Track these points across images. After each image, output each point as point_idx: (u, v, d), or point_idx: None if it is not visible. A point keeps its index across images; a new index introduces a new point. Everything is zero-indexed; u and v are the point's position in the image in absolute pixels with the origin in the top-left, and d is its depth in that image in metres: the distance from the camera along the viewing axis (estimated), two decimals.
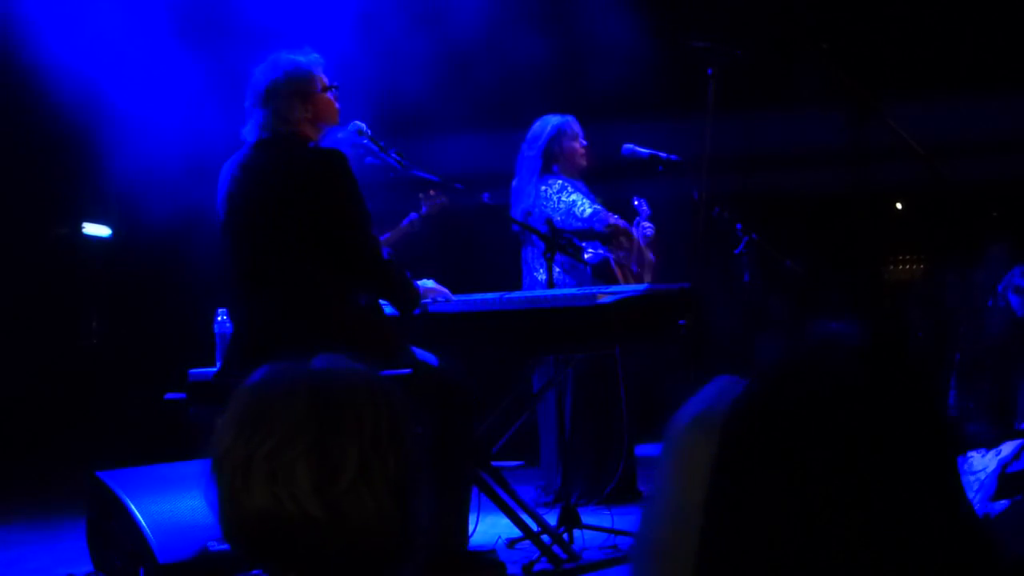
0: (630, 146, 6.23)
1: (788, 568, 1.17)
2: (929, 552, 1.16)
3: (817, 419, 1.21)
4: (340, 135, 4.93)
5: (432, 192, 5.94)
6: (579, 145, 6.45)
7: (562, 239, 5.73)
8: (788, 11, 9.01)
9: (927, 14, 10.00)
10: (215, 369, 4.68)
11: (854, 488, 1.17)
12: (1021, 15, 9.64)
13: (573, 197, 6.28)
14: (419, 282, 4.79)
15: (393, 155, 5.03)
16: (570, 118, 6.50)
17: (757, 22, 8.57)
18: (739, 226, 6.52)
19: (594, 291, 4.82)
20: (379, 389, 1.69)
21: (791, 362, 1.28)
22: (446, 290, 4.94)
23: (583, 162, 6.47)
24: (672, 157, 6.01)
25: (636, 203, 6.57)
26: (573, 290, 5.68)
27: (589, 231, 6.25)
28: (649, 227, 6.53)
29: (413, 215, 6.03)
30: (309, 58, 4.58)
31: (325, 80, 4.58)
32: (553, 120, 6.47)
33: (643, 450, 6.77)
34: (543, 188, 6.33)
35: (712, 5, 8.92)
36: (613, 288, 5.10)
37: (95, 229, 9.81)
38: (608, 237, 6.31)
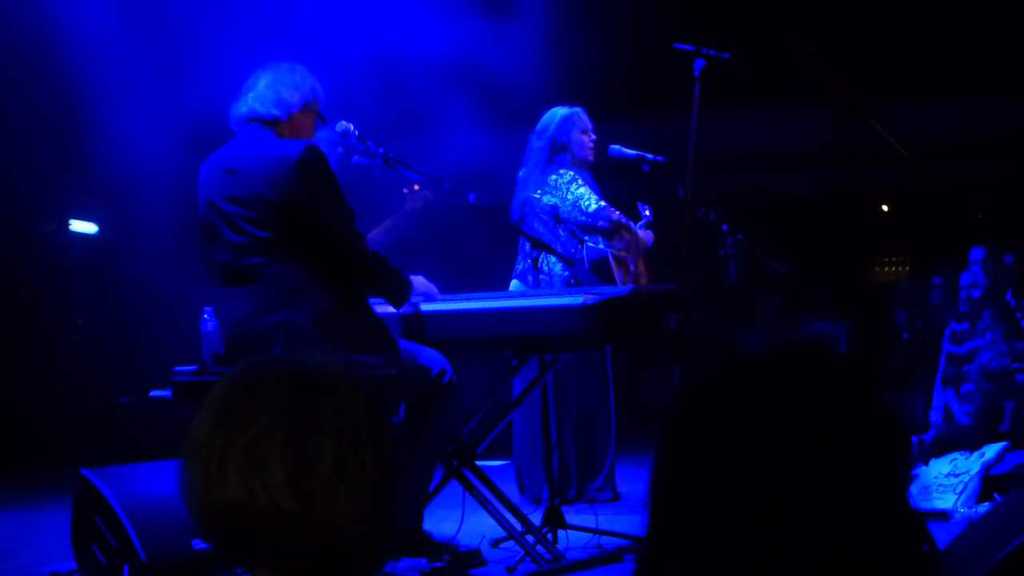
0: (616, 147, 6.24)
1: (725, 560, 1.19)
2: (860, 546, 1.17)
3: (747, 416, 1.22)
4: (325, 135, 4.94)
5: (416, 186, 5.95)
6: (587, 138, 6.47)
7: (564, 229, 5.83)
8: (773, 13, 9.03)
9: (912, 17, 10.03)
10: (197, 366, 4.69)
11: (783, 483, 1.18)
12: (1005, 18, 9.67)
13: (581, 191, 6.29)
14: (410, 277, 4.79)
15: (380, 154, 5.03)
16: (579, 110, 6.51)
17: (743, 24, 8.59)
18: (725, 227, 6.53)
19: (580, 292, 4.83)
20: (359, 387, 1.70)
21: (728, 360, 1.30)
22: (434, 287, 4.95)
23: (589, 156, 6.48)
24: (658, 158, 6.03)
25: (641, 208, 6.62)
26: (560, 291, 5.70)
27: (592, 226, 6.28)
28: (647, 235, 6.57)
29: (397, 212, 6.05)
30: (312, 78, 4.65)
31: (318, 104, 4.64)
32: (562, 112, 6.48)
33: (630, 450, 6.78)
34: (552, 178, 6.35)
35: (698, 7, 8.95)
36: (599, 289, 5.11)
37: (82, 226, 9.81)
38: (610, 233, 6.33)
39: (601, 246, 6.30)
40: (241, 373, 1.71)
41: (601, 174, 6.63)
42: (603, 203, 6.30)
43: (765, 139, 10.97)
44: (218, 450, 1.63)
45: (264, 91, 4.54)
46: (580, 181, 6.34)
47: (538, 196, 6.32)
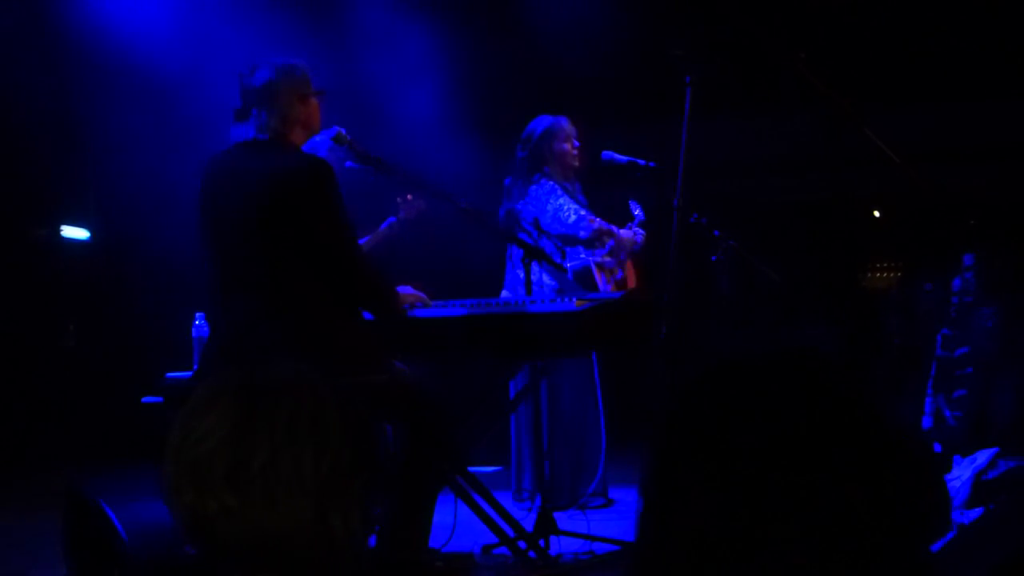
0: (609, 153, 6.24)
1: (717, 565, 1.19)
2: (856, 550, 1.18)
3: (739, 420, 1.22)
4: (319, 139, 4.93)
5: (410, 196, 5.95)
6: (570, 147, 6.47)
7: (547, 240, 5.82)
8: (766, 19, 9.03)
9: (904, 23, 10.04)
10: (192, 372, 4.67)
11: (775, 487, 1.19)
12: (998, 26, 9.69)
13: (560, 202, 6.31)
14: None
15: (373, 159, 5.02)
16: (563, 119, 6.51)
17: (734, 30, 8.60)
18: (716, 232, 6.52)
19: (572, 298, 4.83)
20: (308, 386, 1.69)
21: (719, 365, 1.30)
22: (423, 295, 4.94)
23: (574, 163, 6.49)
24: (650, 164, 6.03)
25: (632, 206, 6.62)
26: (551, 297, 5.70)
27: (572, 237, 6.29)
28: (640, 233, 6.56)
29: (392, 219, 6.04)
30: (301, 63, 4.58)
31: (308, 85, 4.58)
32: (545, 121, 6.49)
33: (622, 457, 6.78)
34: (533, 189, 6.36)
35: (690, 13, 8.95)
36: (591, 295, 5.11)
37: (74, 232, 9.79)
38: (591, 242, 6.34)
39: (582, 255, 6.30)
40: (201, 384, 1.74)
41: (593, 180, 6.63)
42: (583, 212, 6.31)
43: (757, 145, 10.98)
44: (173, 455, 1.66)
45: (267, 99, 4.46)
46: (559, 192, 6.36)
47: (520, 207, 6.33)
